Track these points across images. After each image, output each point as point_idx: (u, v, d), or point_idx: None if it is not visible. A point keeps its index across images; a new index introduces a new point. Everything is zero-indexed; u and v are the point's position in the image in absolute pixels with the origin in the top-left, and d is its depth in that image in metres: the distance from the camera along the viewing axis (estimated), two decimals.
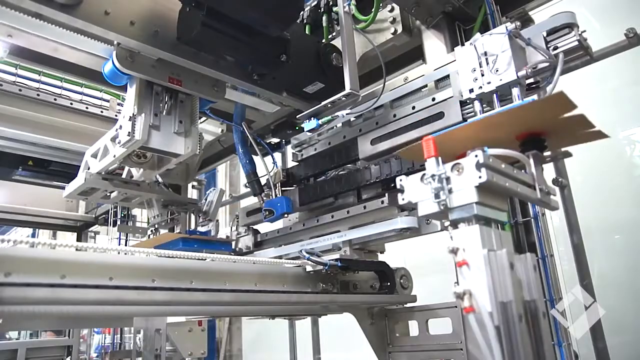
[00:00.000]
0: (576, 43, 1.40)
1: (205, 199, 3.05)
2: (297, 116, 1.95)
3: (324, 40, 2.21)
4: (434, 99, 1.80)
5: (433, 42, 2.04)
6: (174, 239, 2.39)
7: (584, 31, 1.44)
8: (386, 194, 1.94)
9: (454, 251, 0.95)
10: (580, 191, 2.16)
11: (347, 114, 1.98)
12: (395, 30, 2.16)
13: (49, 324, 2.93)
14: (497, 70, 1.39)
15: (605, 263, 3.10)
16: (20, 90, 2.97)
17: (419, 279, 2.15)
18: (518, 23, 1.40)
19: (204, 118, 3.44)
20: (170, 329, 3.15)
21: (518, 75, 1.35)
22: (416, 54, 2.27)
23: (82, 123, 3.16)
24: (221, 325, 5.84)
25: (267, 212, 2.25)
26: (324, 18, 2.31)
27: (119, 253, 1.35)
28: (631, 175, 3.37)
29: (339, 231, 2.13)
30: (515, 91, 1.38)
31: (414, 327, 2.03)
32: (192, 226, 3.08)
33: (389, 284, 2.00)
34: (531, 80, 1.44)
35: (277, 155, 3.06)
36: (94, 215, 4.61)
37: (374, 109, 2.02)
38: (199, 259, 1.51)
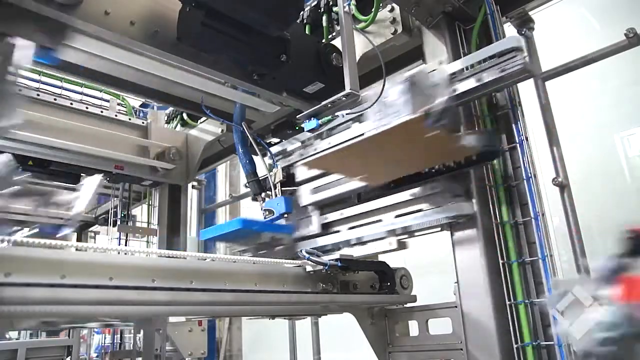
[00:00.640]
0: (522, 66, 1.61)
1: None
2: (297, 116, 1.95)
3: (324, 40, 2.21)
4: None
5: (433, 42, 2.04)
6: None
7: (526, 56, 1.64)
8: (440, 179, 1.82)
9: None
10: (580, 191, 2.16)
11: (347, 114, 1.99)
12: (395, 30, 2.16)
13: (49, 324, 2.93)
14: (396, 113, 1.60)
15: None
16: (20, 90, 2.96)
17: (419, 279, 2.15)
18: (422, 69, 1.72)
19: (204, 118, 3.45)
20: (170, 329, 3.15)
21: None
22: (416, 54, 2.27)
23: (82, 123, 3.16)
24: (221, 325, 5.84)
25: (267, 212, 2.25)
26: (324, 18, 2.32)
27: (119, 253, 1.35)
28: (631, 175, 3.37)
29: (380, 220, 2.00)
30: None
31: (414, 327, 2.03)
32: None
33: (389, 284, 2.00)
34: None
35: None
36: (94, 215, 4.61)
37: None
38: (199, 259, 1.51)
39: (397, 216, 1.96)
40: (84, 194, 2.16)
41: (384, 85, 1.86)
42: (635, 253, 1.12)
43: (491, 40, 1.94)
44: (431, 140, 1.46)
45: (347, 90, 1.72)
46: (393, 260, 2.09)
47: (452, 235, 1.86)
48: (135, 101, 3.92)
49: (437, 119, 1.46)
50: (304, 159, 2.25)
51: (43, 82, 3.22)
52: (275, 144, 2.81)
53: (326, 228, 2.22)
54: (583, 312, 1.05)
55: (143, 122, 3.60)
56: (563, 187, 2.03)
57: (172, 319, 3.12)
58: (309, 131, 1.92)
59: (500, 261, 1.75)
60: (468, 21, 2.03)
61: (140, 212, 4.49)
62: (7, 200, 1.68)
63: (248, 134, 2.41)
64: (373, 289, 2.04)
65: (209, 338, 3.45)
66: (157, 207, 3.76)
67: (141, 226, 4.02)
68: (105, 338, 4.79)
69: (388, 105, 1.59)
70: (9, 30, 1.55)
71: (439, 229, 1.89)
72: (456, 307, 1.81)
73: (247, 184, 2.46)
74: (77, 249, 1.37)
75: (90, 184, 2.24)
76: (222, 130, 3.32)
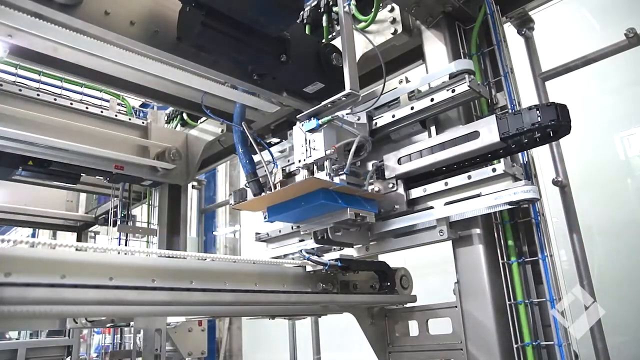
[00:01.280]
0: (467, 88, 1.72)
1: None
2: (297, 116, 1.95)
3: (324, 40, 2.21)
4: (412, 108, 1.89)
5: (433, 42, 2.04)
6: (313, 189, 1.73)
7: (472, 79, 1.75)
8: (502, 160, 1.65)
9: None
10: (580, 191, 2.16)
11: (347, 114, 1.99)
12: (395, 30, 2.16)
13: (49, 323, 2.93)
14: (314, 148, 1.80)
15: (605, 263, 3.09)
16: (20, 90, 2.97)
17: (419, 279, 2.15)
18: (336, 116, 1.78)
19: (204, 118, 3.45)
20: (170, 329, 3.15)
21: (326, 153, 1.76)
22: (416, 54, 2.28)
23: (82, 123, 3.16)
24: (221, 325, 5.84)
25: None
26: (324, 18, 2.32)
27: (119, 253, 1.35)
28: (631, 175, 3.37)
29: (432, 207, 1.82)
30: (327, 163, 1.78)
31: (414, 327, 2.03)
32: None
33: (389, 284, 1.99)
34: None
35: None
36: (94, 215, 4.62)
37: None
38: (199, 259, 1.51)
39: (447, 203, 1.76)
40: None
41: (384, 85, 1.86)
42: None
43: (491, 40, 1.95)
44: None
45: (347, 90, 1.72)
46: (393, 260, 2.09)
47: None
48: (135, 101, 3.92)
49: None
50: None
51: (43, 82, 3.22)
52: (275, 144, 2.81)
53: (411, 205, 1.90)
54: None
55: (143, 122, 3.60)
56: (563, 187, 2.04)
57: (171, 319, 3.12)
58: (308, 132, 1.91)
59: (500, 261, 1.75)
60: (468, 21, 2.03)
61: (140, 212, 4.50)
62: None
63: (248, 134, 2.41)
64: (373, 289, 2.04)
65: (209, 338, 3.45)
66: (157, 207, 3.76)
67: (141, 226, 4.02)
68: (105, 338, 4.79)
69: (310, 140, 1.81)
70: None
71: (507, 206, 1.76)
72: (456, 307, 1.81)
73: (247, 184, 2.46)
74: (77, 249, 1.37)
75: None
76: (222, 130, 3.32)
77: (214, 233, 6.34)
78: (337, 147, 1.76)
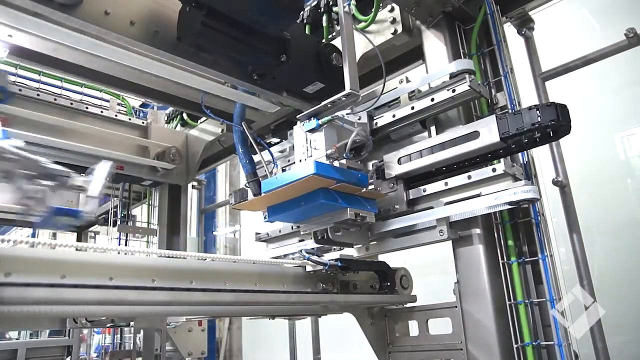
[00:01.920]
0: (468, 88, 1.72)
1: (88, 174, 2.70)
2: (297, 116, 1.95)
3: (324, 40, 2.21)
4: (413, 108, 1.89)
5: (433, 42, 2.04)
6: (313, 189, 1.72)
7: (473, 79, 1.75)
8: (502, 160, 1.66)
9: None
10: (580, 191, 2.16)
11: (347, 114, 1.98)
12: (395, 30, 2.16)
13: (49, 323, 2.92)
14: (315, 148, 1.80)
15: (605, 263, 3.09)
16: (20, 90, 2.97)
17: (419, 279, 2.15)
18: (337, 116, 1.76)
19: (204, 118, 3.45)
20: (170, 329, 3.15)
21: (327, 152, 1.74)
22: (416, 54, 2.28)
23: (82, 123, 3.16)
24: (221, 325, 5.84)
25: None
26: (324, 18, 2.32)
27: (119, 253, 1.35)
28: (631, 175, 3.37)
29: (432, 207, 1.82)
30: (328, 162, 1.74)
31: (414, 327, 2.03)
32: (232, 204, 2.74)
33: (389, 284, 1.99)
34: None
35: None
36: (94, 216, 4.61)
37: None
38: (199, 259, 1.51)
39: (447, 203, 1.77)
40: (97, 178, 2.12)
41: (384, 85, 1.86)
42: None
43: (491, 40, 1.95)
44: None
45: (347, 90, 1.72)
46: (393, 260, 2.09)
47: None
48: (135, 101, 3.92)
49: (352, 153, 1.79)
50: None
51: (43, 82, 3.22)
52: (275, 144, 2.81)
53: (411, 205, 1.89)
54: None
55: (143, 122, 3.60)
56: (563, 187, 2.04)
57: (171, 319, 3.12)
58: (308, 131, 1.91)
59: (500, 261, 1.75)
60: (468, 21, 2.03)
61: (140, 212, 4.50)
62: (24, 182, 1.64)
63: (248, 134, 2.41)
64: (373, 289, 2.04)
65: (209, 338, 3.46)
66: (157, 207, 3.76)
67: (141, 226, 4.02)
68: (105, 338, 4.79)
69: (311, 141, 1.81)
70: None
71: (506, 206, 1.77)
72: (456, 307, 1.81)
73: (247, 184, 2.45)
74: (77, 249, 1.37)
75: (102, 169, 2.17)
76: (222, 130, 3.32)
77: (214, 233, 6.34)
78: (338, 147, 1.76)
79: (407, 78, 2.13)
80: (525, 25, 2.14)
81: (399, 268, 2.08)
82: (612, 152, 3.29)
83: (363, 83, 1.86)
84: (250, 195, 2.26)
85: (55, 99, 3.14)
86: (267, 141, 2.58)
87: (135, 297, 1.25)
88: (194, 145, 3.62)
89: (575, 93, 3.14)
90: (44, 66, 2.43)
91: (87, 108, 3.30)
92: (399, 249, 1.94)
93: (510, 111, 1.80)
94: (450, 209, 1.74)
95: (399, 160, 1.89)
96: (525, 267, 1.75)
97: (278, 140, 2.75)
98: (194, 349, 3.20)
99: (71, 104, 3.21)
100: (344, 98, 1.75)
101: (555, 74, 2.31)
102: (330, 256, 1.88)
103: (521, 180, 1.66)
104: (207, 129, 3.53)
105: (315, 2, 2.36)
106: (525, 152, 1.77)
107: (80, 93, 3.45)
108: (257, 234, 2.58)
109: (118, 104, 3.69)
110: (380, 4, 2.13)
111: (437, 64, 1.99)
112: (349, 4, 1.83)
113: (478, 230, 1.78)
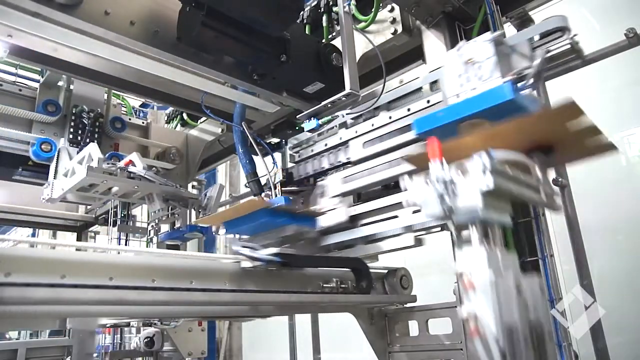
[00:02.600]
0: (568, 46, 1.40)
1: (205, 195, 3.03)
2: (297, 116, 1.95)
3: (324, 40, 2.21)
4: (428, 101, 1.81)
5: (433, 42, 2.04)
6: (258, 208, 1.89)
7: (576, 34, 1.42)
8: None
9: (460, 275, 0.94)
10: (580, 191, 2.16)
11: (347, 114, 1.98)
12: (395, 30, 2.16)
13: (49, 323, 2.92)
14: (481, 77, 1.37)
15: (605, 263, 3.09)
16: (20, 90, 2.97)
17: (419, 279, 2.15)
18: (503, 32, 1.41)
19: (204, 118, 3.45)
20: (170, 329, 3.15)
21: (507, 78, 1.33)
22: (416, 54, 2.27)
23: None
24: (221, 325, 5.84)
25: None
26: (324, 18, 2.32)
27: (119, 253, 1.35)
28: (631, 175, 3.37)
29: (396, 217, 1.88)
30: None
31: (414, 327, 2.03)
32: (193, 221, 3.04)
33: (363, 283, 1.88)
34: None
35: (277, 155, 3.06)
36: (94, 215, 4.61)
37: (374, 110, 2.02)
38: (199, 259, 1.51)
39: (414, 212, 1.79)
40: (212, 200, 2.68)
41: (384, 85, 1.86)
42: None
43: None
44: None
45: (347, 90, 1.72)
46: (393, 261, 2.09)
47: (452, 235, 1.86)
48: (135, 101, 3.92)
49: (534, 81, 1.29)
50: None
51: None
52: (275, 143, 2.81)
53: (353, 221, 2.00)
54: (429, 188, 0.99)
55: (143, 122, 3.60)
56: (563, 187, 2.03)
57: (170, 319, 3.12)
58: (308, 131, 1.91)
59: None
60: (468, 21, 2.03)
61: (140, 212, 4.49)
62: (161, 203, 2.05)
63: (248, 134, 2.41)
64: (374, 289, 2.04)
65: (209, 338, 3.46)
66: None
67: (141, 226, 4.02)
68: (105, 338, 4.79)
69: (472, 68, 1.38)
70: None
71: (439, 228, 1.88)
72: (456, 307, 1.81)
73: (247, 184, 2.46)
74: (77, 249, 1.37)
75: (215, 191, 2.74)
76: (222, 130, 3.32)
77: (214, 233, 6.33)
78: (513, 75, 1.35)
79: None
80: (525, 25, 2.14)
81: (399, 268, 2.08)
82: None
83: (363, 83, 1.86)
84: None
85: None
86: (267, 141, 2.58)
87: (135, 297, 1.25)
88: (194, 145, 3.62)
89: (575, 93, 3.14)
90: (44, 66, 2.43)
91: None
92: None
93: None
94: (381, 226, 1.86)
95: (340, 180, 2.03)
96: (525, 267, 1.75)
97: (278, 140, 2.76)
98: (194, 349, 3.20)
99: None
100: (344, 98, 1.75)
101: (555, 74, 2.31)
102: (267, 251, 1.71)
103: None
104: (207, 129, 3.53)
105: (315, 2, 2.36)
106: None
107: None
108: None
109: (118, 104, 3.69)
110: (380, 4, 2.13)
111: (437, 64, 1.99)
112: (349, 4, 1.83)
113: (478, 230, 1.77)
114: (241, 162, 2.43)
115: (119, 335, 4.57)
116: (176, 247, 3.33)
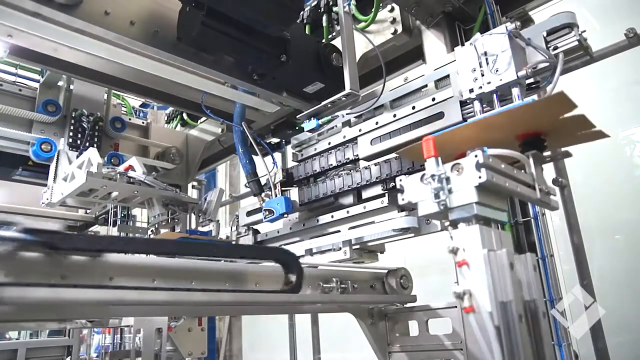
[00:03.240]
0: (576, 43, 1.41)
1: (205, 199, 3.04)
2: (297, 116, 1.95)
3: (324, 40, 2.21)
4: (433, 99, 1.80)
5: (433, 42, 2.04)
6: (174, 238, 2.31)
7: (584, 31, 1.44)
8: (386, 194, 1.94)
9: (454, 251, 0.95)
10: (580, 191, 2.16)
11: (347, 114, 1.98)
12: (395, 30, 2.16)
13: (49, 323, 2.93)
14: (497, 70, 1.39)
15: (605, 263, 3.10)
16: (20, 90, 2.97)
17: (419, 279, 2.15)
18: (518, 23, 1.41)
19: (204, 118, 3.46)
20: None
21: (518, 75, 1.35)
22: (416, 54, 2.27)
23: None
24: (221, 325, 5.84)
25: (267, 212, 2.25)
26: (324, 18, 2.32)
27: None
28: (631, 175, 3.37)
29: (339, 231, 2.12)
30: (515, 91, 1.37)
31: (414, 327, 2.03)
32: (193, 226, 3.07)
33: (294, 280, 1.54)
34: (531, 80, 1.45)
35: (277, 155, 3.06)
36: (94, 215, 4.61)
37: (374, 109, 2.02)
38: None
39: (350, 228, 2.08)
40: (213, 204, 2.64)
41: (384, 85, 1.86)
42: None
43: None
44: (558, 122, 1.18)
45: (347, 90, 1.72)
46: (393, 261, 2.09)
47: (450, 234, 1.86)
48: (135, 101, 3.92)
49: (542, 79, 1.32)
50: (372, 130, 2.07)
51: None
52: (275, 143, 2.81)
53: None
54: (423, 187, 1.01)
55: (143, 122, 3.60)
56: (563, 187, 2.04)
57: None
58: (308, 131, 1.91)
59: None
60: (468, 21, 2.03)
61: (140, 212, 4.50)
62: (161, 208, 2.08)
63: (248, 134, 2.41)
64: (373, 289, 2.04)
65: (209, 338, 3.45)
66: None
67: (141, 226, 4.01)
68: (105, 338, 4.79)
69: (487, 61, 1.39)
70: None
71: (439, 228, 1.89)
72: (456, 307, 1.81)
73: (247, 184, 2.46)
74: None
75: (215, 195, 2.73)
76: (222, 130, 3.33)
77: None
78: (529, 69, 1.36)
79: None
80: (525, 25, 2.14)
81: (399, 268, 2.08)
82: (612, 152, 3.29)
83: (363, 83, 1.86)
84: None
85: None
86: (267, 141, 2.58)
87: (135, 297, 1.25)
88: (194, 145, 3.62)
89: (575, 93, 3.14)
90: (44, 66, 2.43)
91: None
92: None
93: None
94: (352, 233, 2.04)
95: (246, 213, 2.31)
96: None
97: (278, 140, 2.76)
98: (194, 349, 3.19)
99: None
100: (344, 98, 1.75)
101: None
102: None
103: (404, 210, 1.85)
104: (207, 129, 3.53)
105: (315, 2, 2.36)
106: None
107: None
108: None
109: (118, 104, 3.69)
110: (380, 4, 2.13)
111: (437, 64, 1.99)
112: (349, 4, 1.83)
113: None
114: (241, 162, 2.43)
115: (119, 335, 4.57)
116: None
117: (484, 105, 1.47)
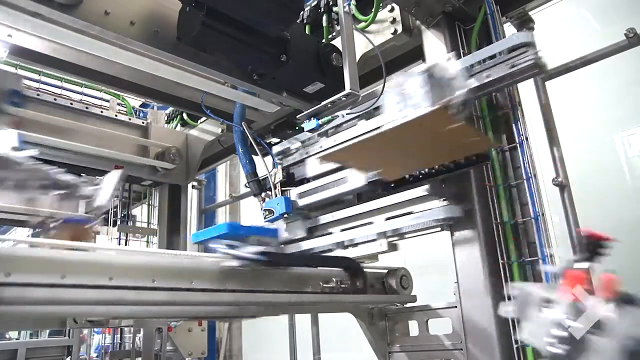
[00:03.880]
0: (532, 62, 1.58)
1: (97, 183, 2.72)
2: (297, 116, 1.95)
3: (324, 40, 2.21)
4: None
5: (433, 42, 2.04)
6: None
7: (539, 51, 1.59)
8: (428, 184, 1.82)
9: None
10: (580, 191, 2.16)
11: (347, 114, 1.98)
12: (395, 30, 2.16)
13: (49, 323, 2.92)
14: (414, 105, 1.49)
15: (605, 263, 3.09)
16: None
17: (419, 279, 2.15)
18: (437, 64, 1.52)
19: (204, 118, 3.46)
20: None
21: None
22: (416, 54, 2.27)
23: (82, 123, 3.16)
24: (221, 325, 5.84)
25: (267, 212, 2.25)
26: (324, 18, 2.32)
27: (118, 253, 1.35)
28: (631, 175, 3.37)
29: (371, 223, 1.98)
30: None
31: (414, 327, 2.03)
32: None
33: (359, 282, 1.88)
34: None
35: None
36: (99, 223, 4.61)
37: (373, 110, 2.01)
38: (199, 259, 1.51)
39: (387, 219, 1.95)
40: (106, 187, 2.19)
41: (384, 85, 1.86)
42: (592, 256, 1.18)
43: (491, 40, 1.94)
44: (446, 134, 1.41)
45: (347, 90, 1.72)
46: (393, 261, 2.09)
47: (452, 235, 1.86)
48: (135, 101, 3.92)
49: (457, 111, 1.41)
50: (312, 155, 2.19)
51: (43, 82, 3.22)
52: (275, 144, 2.81)
53: (313, 231, 2.20)
54: (538, 314, 1.07)
55: (143, 122, 3.60)
56: (563, 187, 2.03)
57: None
58: (309, 131, 1.91)
59: (500, 261, 1.75)
60: (468, 21, 2.03)
61: (140, 212, 4.49)
62: (35, 192, 1.67)
63: (248, 134, 2.41)
64: (373, 289, 2.04)
65: (209, 338, 3.45)
66: (157, 207, 3.76)
67: (141, 226, 4.02)
68: (105, 338, 4.79)
69: (407, 97, 1.49)
70: None
71: (439, 228, 1.89)
72: (456, 307, 1.81)
73: (247, 184, 2.46)
74: (77, 249, 1.37)
75: (112, 178, 2.29)
76: (222, 130, 3.33)
77: None
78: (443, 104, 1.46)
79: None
80: (525, 25, 2.14)
81: (399, 268, 2.08)
82: (612, 152, 3.29)
83: (363, 83, 1.86)
84: None
85: (55, 99, 3.14)
86: (267, 141, 2.58)
87: (135, 297, 1.25)
88: (194, 145, 3.62)
89: (575, 93, 3.14)
90: (44, 66, 2.43)
91: (87, 108, 3.30)
92: None
93: None
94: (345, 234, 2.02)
95: (299, 194, 2.21)
96: (526, 267, 1.75)
97: (278, 140, 2.76)
98: (194, 349, 3.19)
99: (71, 104, 3.21)
100: (344, 98, 1.75)
101: (555, 74, 2.31)
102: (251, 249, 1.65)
103: (448, 199, 1.79)
104: (207, 129, 3.53)
105: (315, 2, 2.36)
106: None
107: (80, 93, 3.45)
108: None
109: (118, 104, 3.69)
110: (380, 4, 2.13)
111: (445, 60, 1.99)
112: (349, 4, 1.83)
113: (478, 231, 1.78)
114: (241, 162, 2.43)
115: (119, 335, 4.56)
116: None
117: None
